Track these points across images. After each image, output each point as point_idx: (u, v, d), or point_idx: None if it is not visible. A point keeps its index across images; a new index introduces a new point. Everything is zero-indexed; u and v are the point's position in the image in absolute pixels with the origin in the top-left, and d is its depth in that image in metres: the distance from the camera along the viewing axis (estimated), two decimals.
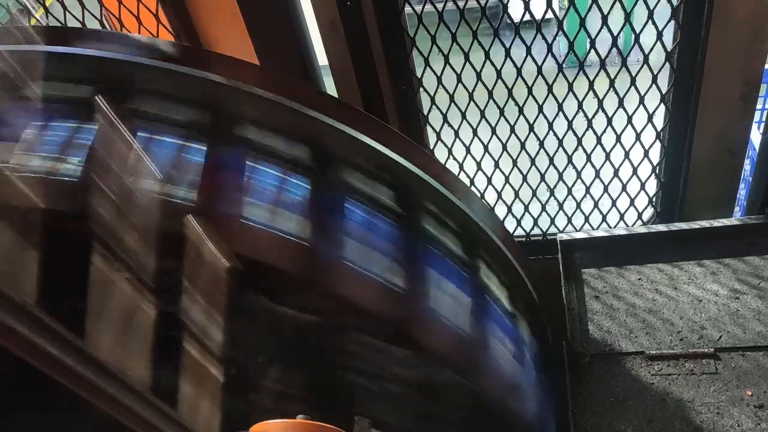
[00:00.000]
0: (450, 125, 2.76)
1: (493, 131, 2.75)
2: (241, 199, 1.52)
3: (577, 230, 2.92)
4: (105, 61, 1.54)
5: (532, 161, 2.82)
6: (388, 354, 1.71)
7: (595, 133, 2.65)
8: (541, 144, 2.74)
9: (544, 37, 2.36)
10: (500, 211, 3.04)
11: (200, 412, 1.35)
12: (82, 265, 1.22)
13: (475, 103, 2.65)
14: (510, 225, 3.05)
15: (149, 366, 1.23)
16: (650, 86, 2.46)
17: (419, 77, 2.63)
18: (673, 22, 2.29)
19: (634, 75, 2.42)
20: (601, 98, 2.52)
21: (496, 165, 2.88)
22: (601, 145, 2.71)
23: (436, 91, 2.66)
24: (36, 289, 0.99)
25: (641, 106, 2.52)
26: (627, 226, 3.01)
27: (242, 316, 1.56)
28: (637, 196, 2.89)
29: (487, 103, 2.64)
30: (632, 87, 2.47)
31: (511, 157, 2.83)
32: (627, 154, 2.73)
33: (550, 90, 2.52)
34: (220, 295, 1.45)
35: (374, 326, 1.61)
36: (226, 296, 1.45)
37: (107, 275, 1.25)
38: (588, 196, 2.93)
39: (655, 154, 2.72)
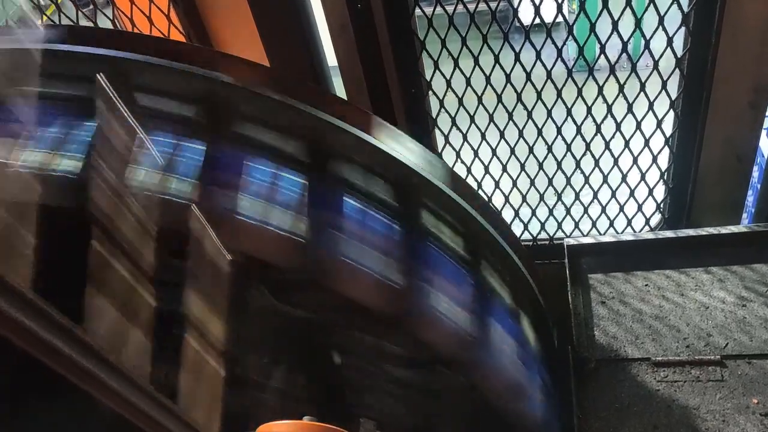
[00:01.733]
0: (458, 128, 2.77)
1: (502, 135, 2.75)
2: (246, 197, 1.52)
3: (584, 235, 2.92)
4: (110, 60, 1.55)
5: (540, 165, 2.82)
6: (394, 356, 1.71)
7: (603, 138, 2.65)
8: (550, 148, 2.74)
9: (553, 42, 2.36)
10: (507, 214, 3.03)
11: (207, 412, 1.36)
12: (87, 261, 1.23)
13: (484, 107, 2.65)
14: (517, 229, 3.05)
15: (155, 365, 1.24)
16: (660, 92, 2.46)
17: (428, 80, 2.63)
18: (683, 28, 2.29)
19: (643, 80, 2.42)
20: (610, 103, 2.52)
21: (504, 169, 2.88)
22: (610, 150, 2.71)
23: (444, 94, 2.66)
24: (39, 282, 1.00)
25: (650, 111, 2.52)
26: (634, 231, 3.00)
27: (249, 316, 1.56)
28: (645, 201, 2.89)
29: (496, 106, 2.64)
30: (642, 92, 2.46)
31: (519, 161, 2.83)
32: (635, 160, 2.72)
33: (559, 94, 2.52)
34: (228, 294, 1.45)
35: (380, 327, 1.61)
36: (233, 295, 1.46)
37: (112, 271, 1.26)
38: (596, 201, 2.92)
39: (664, 160, 2.72)
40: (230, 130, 1.61)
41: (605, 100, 2.52)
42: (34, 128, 1.46)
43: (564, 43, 2.39)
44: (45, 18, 2.94)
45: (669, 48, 2.31)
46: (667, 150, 2.66)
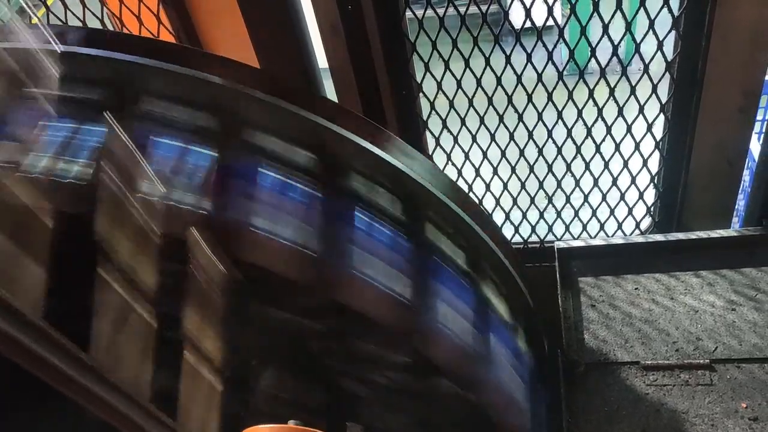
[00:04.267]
0: (449, 131, 2.76)
1: (492, 138, 2.75)
2: (239, 204, 1.51)
3: (574, 238, 2.92)
4: (108, 62, 1.54)
5: (531, 168, 2.82)
6: (381, 360, 1.70)
7: (594, 141, 2.65)
8: (540, 151, 2.74)
9: (544, 45, 2.36)
10: (498, 217, 3.04)
11: (190, 415, 1.35)
12: (81, 267, 1.21)
13: (475, 110, 2.65)
14: (507, 232, 3.05)
15: (141, 368, 1.23)
16: (650, 96, 2.46)
17: (419, 82, 2.62)
18: (673, 32, 2.29)
19: (634, 84, 2.42)
20: (600, 107, 2.52)
21: (495, 172, 2.88)
22: (600, 154, 2.71)
23: (435, 97, 2.66)
24: (34, 292, 0.98)
25: (641, 115, 2.52)
26: (625, 235, 3.00)
27: (236, 320, 1.55)
28: (635, 205, 2.89)
29: (487, 109, 2.64)
30: (632, 96, 2.47)
31: (509, 163, 2.83)
32: (626, 163, 2.73)
33: (549, 97, 2.52)
34: (215, 298, 1.44)
35: (368, 332, 1.60)
36: (220, 299, 1.45)
37: (104, 277, 1.24)
38: (586, 204, 2.92)
39: (654, 164, 2.72)
40: (237, 139, 1.59)
41: (596, 104, 2.52)
42: (33, 131, 1.44)
43: (555, 46, 2.39)
44: (35, 20, 2.92)
45: (659, 52, 2.31)
46: (657, 154, 2.66)
